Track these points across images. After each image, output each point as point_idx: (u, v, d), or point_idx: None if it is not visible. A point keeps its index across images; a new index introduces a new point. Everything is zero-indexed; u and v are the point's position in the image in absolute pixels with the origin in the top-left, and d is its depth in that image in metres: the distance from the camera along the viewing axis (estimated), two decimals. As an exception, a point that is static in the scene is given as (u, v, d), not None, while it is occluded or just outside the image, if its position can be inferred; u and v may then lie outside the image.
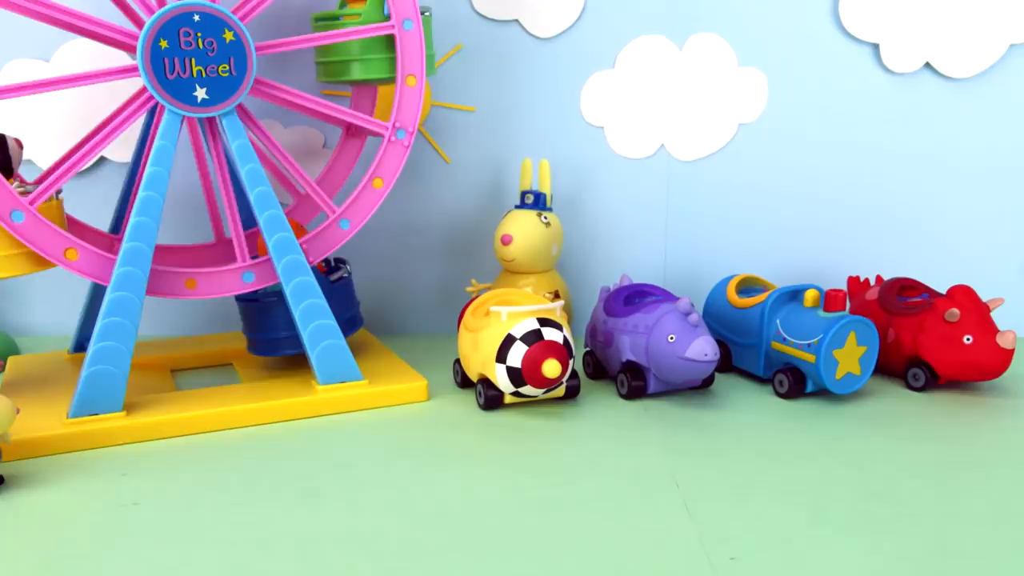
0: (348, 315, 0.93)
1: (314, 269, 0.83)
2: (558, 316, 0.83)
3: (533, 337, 0.80)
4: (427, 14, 0.89)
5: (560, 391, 0.84)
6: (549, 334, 0.80)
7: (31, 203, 0.75)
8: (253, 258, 0.84)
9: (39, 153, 1.02)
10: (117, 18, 0.78)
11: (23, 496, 0.67)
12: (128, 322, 0.76)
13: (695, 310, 0.82)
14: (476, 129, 1.05)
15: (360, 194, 0.85)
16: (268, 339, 0.90)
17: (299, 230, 0.87)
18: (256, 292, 0.87)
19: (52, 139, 1.01)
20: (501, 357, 0.80)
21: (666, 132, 1.05)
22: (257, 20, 0.81)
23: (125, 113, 0.78)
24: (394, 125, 0.85)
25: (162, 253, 0.90)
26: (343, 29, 0.83)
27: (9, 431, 0.69)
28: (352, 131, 0.97)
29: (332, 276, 0.92)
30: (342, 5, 0.90)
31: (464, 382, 0.90)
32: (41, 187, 0.76)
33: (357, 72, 0.86)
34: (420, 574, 0.56)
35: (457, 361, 0.90)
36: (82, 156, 0.78)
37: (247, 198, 0.81)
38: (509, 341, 0.80)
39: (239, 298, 0.90)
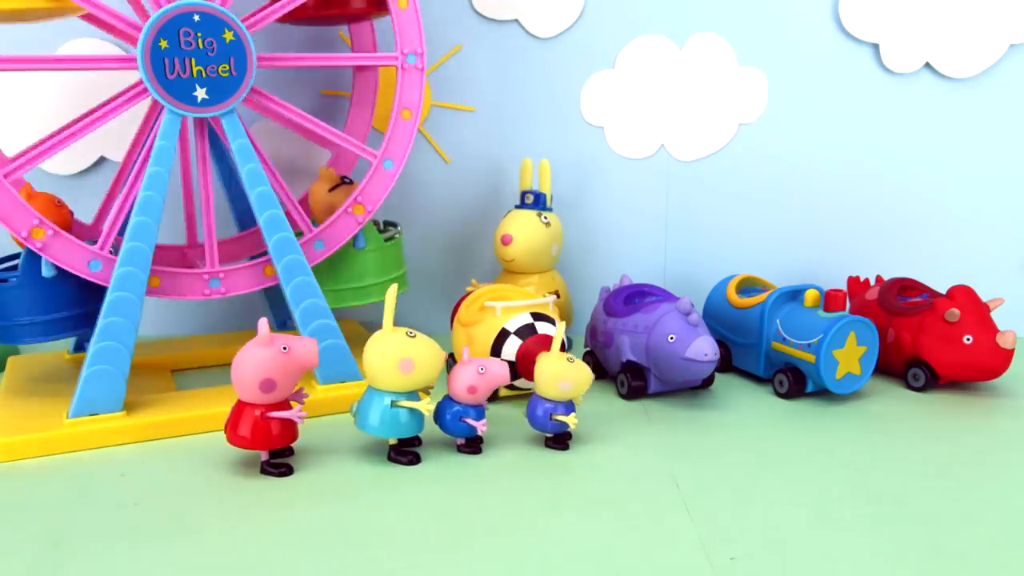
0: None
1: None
2: (551, 311, 0.84)
3: (527, 331, 0.81)
4: (397, 236, 0.92)
5: None
6: (543, 328, 0.82)
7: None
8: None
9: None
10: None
11: (23, 496, 0.67)
12: (128, 322, 0.76)
13: (695, 310, 0.82)
14: (476, 129, 1.05)
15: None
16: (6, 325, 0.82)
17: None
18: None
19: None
20: (496, 351, 0.81)
21: (666, 132, 1.05)
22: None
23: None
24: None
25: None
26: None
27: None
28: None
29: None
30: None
31: (460, 377, 0.90)
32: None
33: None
34: (419, 573, 0.56)
35: (451, 355, 0.90)
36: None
37: (243, 199, 0.80)
38: (503, 335, 0.81)
39: None
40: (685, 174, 1.07)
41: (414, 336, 0.71)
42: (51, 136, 0.77)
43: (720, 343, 0.94)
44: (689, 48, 1.03)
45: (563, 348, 0.83)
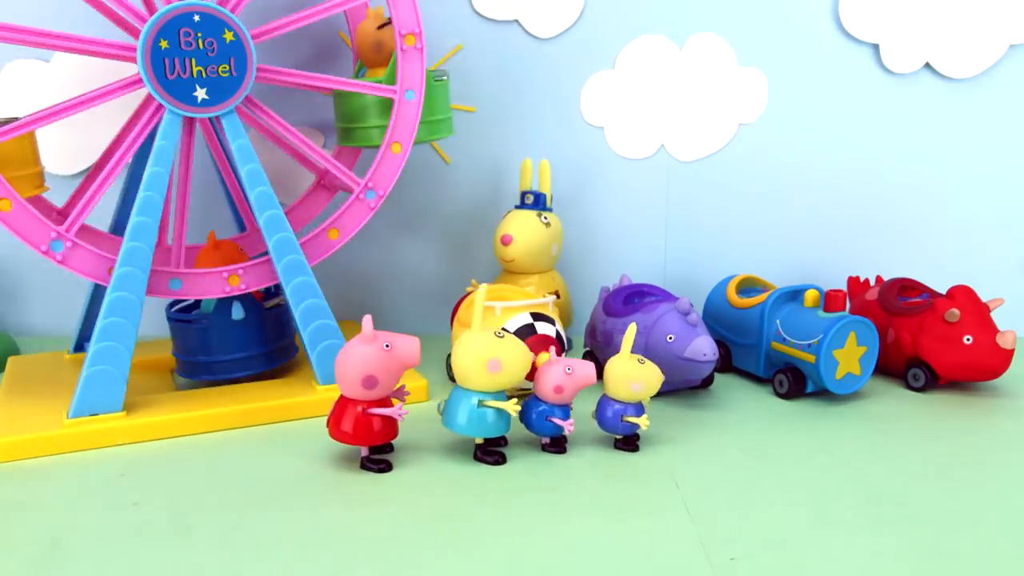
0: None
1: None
2: (550, 310, 0.84)
3: (527, 331, 0.81)
4: (445, 79, 0.90)
5: None
6: (542, 328, 0.82)
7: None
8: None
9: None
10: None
11: (23, 496, 0.67)
12: (128, 322, 0.76)
13: (694, 310, 0.82)
14: (476, 129, 1.05)
15: (313, 239, 0.84)
16: (194, 362, 0.87)
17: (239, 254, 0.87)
18: (191, 313, 0.86)
19: (50, 134, 1.01)
20: None
21: (666, 132, 1.05)
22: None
23: (111, 86, 0.76)
24: (367, 184, 0.85)
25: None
26: (343, 79, 0.84)
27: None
28: (324, 182, 0.98)
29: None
30: (359, 71, 0.91)
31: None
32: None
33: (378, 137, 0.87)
34: (419, 572, 0.56)
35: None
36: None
37: (239, 199, 0.79)
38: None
39: (170, 317, 0.87)
40: (685, 174, 1.07)
41: (502, 336, 0.71)
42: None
43: (720, 343, 0.94)
44: (689, 48, 1.03)
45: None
